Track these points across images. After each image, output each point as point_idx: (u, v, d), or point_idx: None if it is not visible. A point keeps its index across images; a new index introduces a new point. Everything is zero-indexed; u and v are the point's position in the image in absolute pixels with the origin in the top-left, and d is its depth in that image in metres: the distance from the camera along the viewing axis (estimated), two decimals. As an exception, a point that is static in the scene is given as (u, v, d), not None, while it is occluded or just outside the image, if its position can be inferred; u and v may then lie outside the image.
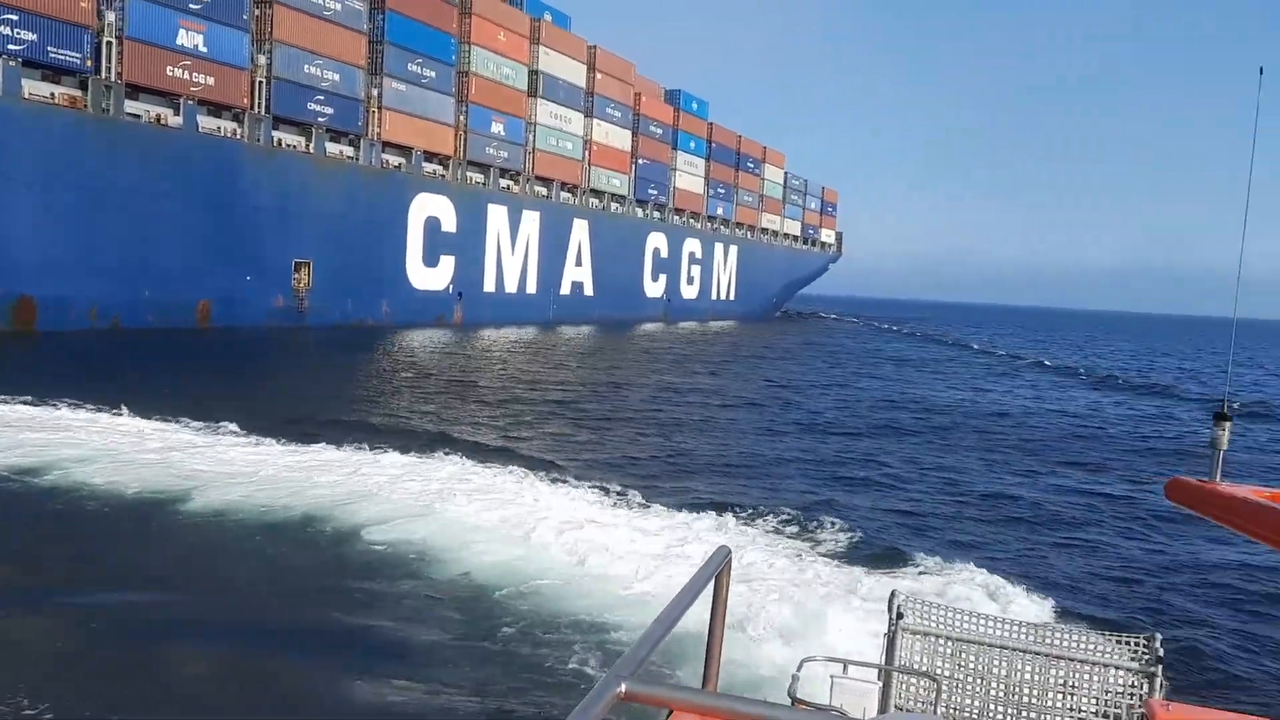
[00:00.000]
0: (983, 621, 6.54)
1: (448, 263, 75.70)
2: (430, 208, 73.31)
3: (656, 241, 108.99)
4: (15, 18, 45.13)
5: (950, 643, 6.40)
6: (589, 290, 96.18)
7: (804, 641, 12.11)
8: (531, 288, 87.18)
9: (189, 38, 53.69)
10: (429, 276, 74.03)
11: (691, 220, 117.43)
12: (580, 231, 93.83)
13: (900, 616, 6.44)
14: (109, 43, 49.90)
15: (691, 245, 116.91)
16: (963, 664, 6.38)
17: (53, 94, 47.90)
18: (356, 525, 17.50)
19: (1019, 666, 6.33)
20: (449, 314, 76.33)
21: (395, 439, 26.30)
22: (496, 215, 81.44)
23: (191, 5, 53.46)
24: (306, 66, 61.58)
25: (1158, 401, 54.83)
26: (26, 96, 46.23)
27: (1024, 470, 29.74)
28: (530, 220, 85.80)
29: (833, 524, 20.10)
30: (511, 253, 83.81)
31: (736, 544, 16.80)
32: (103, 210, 48.97)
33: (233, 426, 26.22)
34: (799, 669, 5.90)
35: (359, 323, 66.35)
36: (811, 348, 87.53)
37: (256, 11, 58.11)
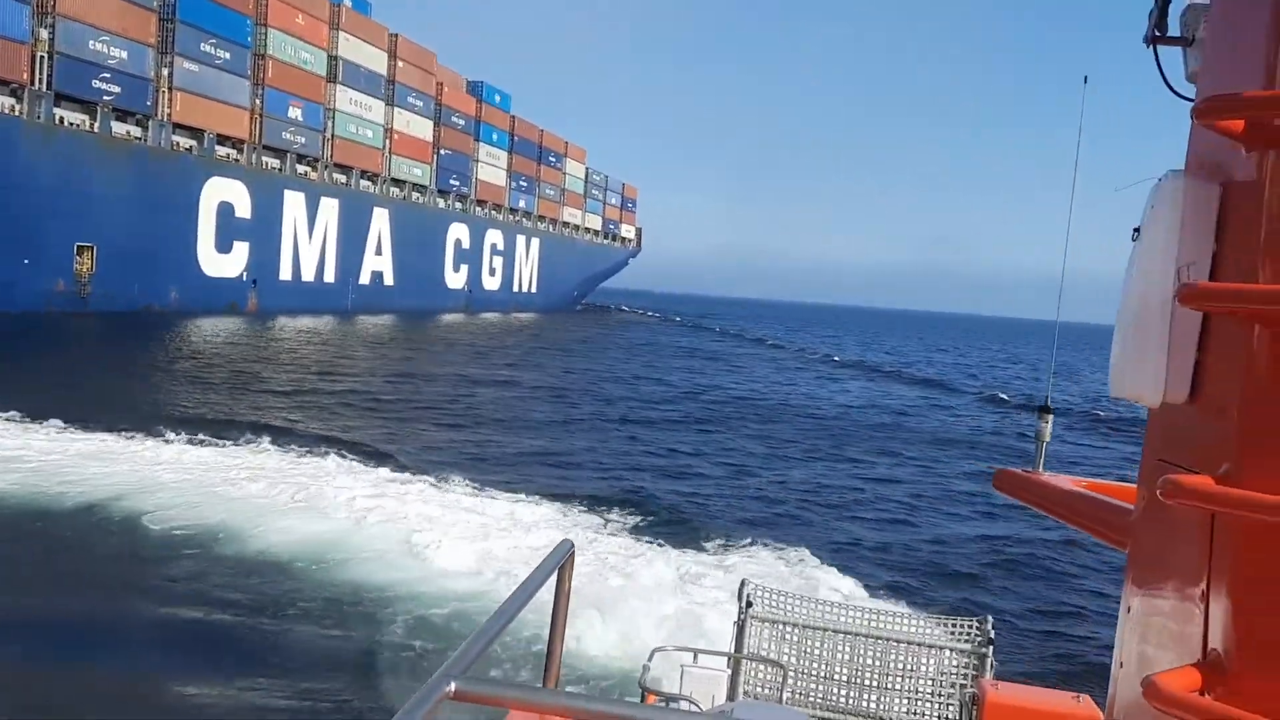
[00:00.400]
0: (828, 609, 6.82)
1: (241, 249, 74.27)
2: (223, 192, 71.76)
3: (458, 232, 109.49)
4: None
5: (797, 630, 6.59)
6: (389, 280, 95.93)
7: (652, 632, 12.27)
8: (330, 276, 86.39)
9: (-39, 7, 51.12)
10: (221, 263, 72.46)
11: (494, 212, 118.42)
12: (381, 220, 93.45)
13: (749, 605, 6.60)
14: None
15: (493, 237, 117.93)
16: (808, 650, 6.60)
17: None
18: (142, 510, 18.14)
19: (861, 651, 6.60)
20: (243, 302, 74.89)
21: (181, 426, 26.82)
22: (293, 202, 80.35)
23: (-36, -27, 50.95)
24: (91, 42, 59.37)
25: (937, 393, 60.13)
26: None
27: (833, 457, 32.45)
28: (329, 208, 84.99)
29: (656, 512, 21.27)
30: (309, 240, 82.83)
31: (555, 530, 17.62)
32: None
33: (4, 414, 26.02)
34: (650, 659, 6.00)
35: (146, 309, 64.40)
36: (612, 341, 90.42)
37: (36, -17, 55.75)
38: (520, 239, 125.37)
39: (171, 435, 25.38)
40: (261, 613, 14.01)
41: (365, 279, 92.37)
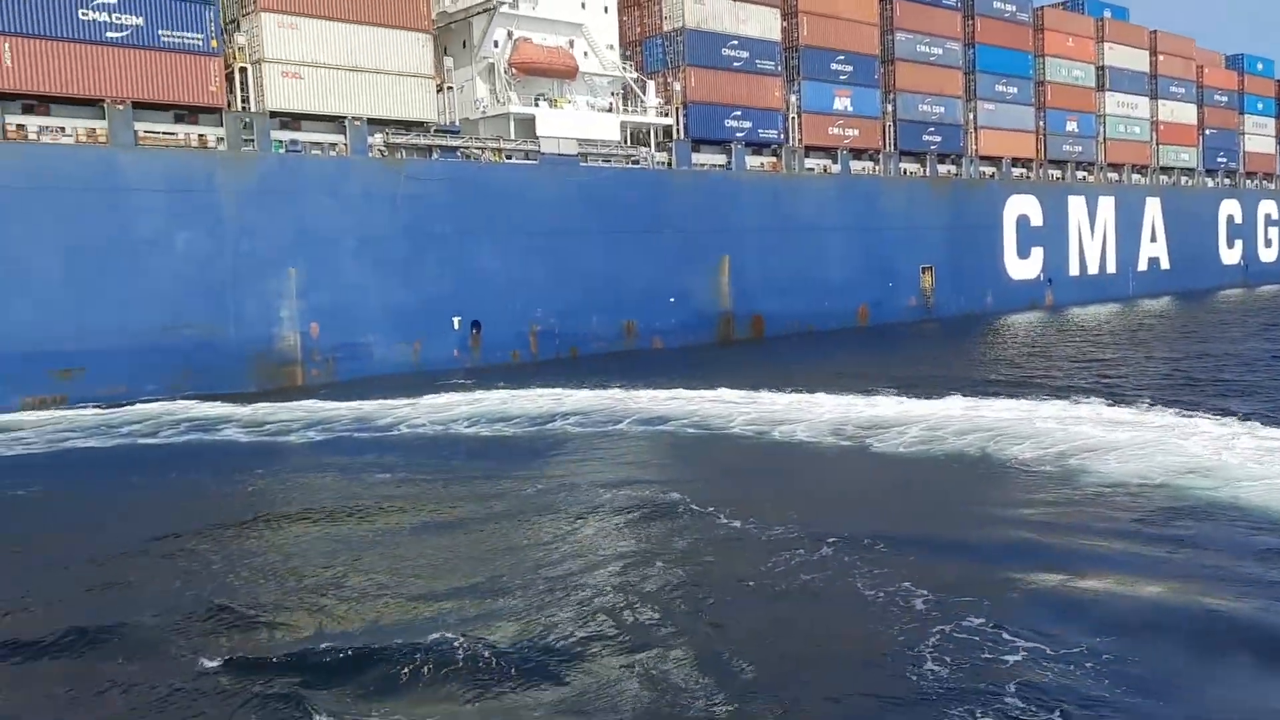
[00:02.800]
0: None
1: (1037, 254, 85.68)
2: (1019, 207, 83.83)
3: (1229, 208, 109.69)
4: (739, 113, 63.16)
5: None
6: (1165, 264, 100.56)
7: None
8: (1110, 268, 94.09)
9: (841, 102, 69.46)
10: (1022, 267, 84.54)
11: (1265, 182, 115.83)
12: (1152, 209, 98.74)
13: None
14: (792, 118, 66.83)
15: (1267, 207, 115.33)
16: None
17: (761, 164, 65.70)
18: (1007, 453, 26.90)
19: None
20: (1040, 299, 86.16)
21: (1045, 393, 36.39)
22: (1076, 205, 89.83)
23: (840, 77, 69.15)
24: (920, 106, 75.27)
25: None
26: (748, 169, 64.29)
27: None
28: (1105, 205, 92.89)
29: None
30: (1091, 237, 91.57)
31: None
32: (797, 244, 65.85)
33: (890, 390, 37.70)
34: None
35: (970, 313, 78.65)
36: None
37: (883, 70, 72.69)
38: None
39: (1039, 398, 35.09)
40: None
41: (1142, 265, 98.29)
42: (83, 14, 39.16)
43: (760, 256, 63.82)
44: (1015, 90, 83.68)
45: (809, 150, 68.42)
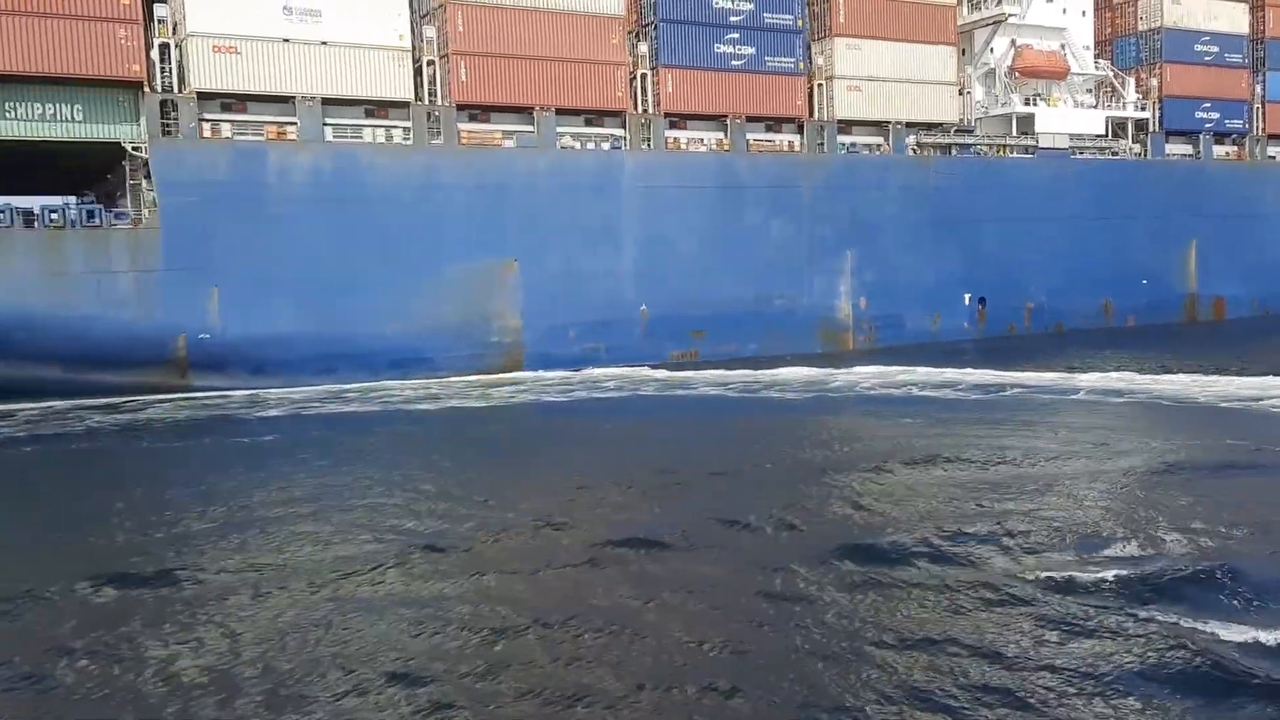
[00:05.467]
0: None
1: None
2: None
3: None
4: (1208, 104, 66.36)
5: None
6: None
7: None
8: None
9: (1303, 88, 70.85)
10: None
11: None
12: None
13: None
14: (1256, 108, 68.99)
15: None
16: None
17: (1225, 152, 68.45)
18: None
19: None
20: None
21: None
22: None
23: (1294, 63, 70.57)
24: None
25: None
26: (1215, 159, 67.32)
27: None
28: None
29: None
30: None
31: None
32: (1259, 229, 68.11)
33: None
34: None
35: None
36: None
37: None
38: None
39: None
40: None
41: None
42: (717, 48, 49.29)
43: (1225, 241, 66.70)
44: None
45: (1271, 138, 70.23)
